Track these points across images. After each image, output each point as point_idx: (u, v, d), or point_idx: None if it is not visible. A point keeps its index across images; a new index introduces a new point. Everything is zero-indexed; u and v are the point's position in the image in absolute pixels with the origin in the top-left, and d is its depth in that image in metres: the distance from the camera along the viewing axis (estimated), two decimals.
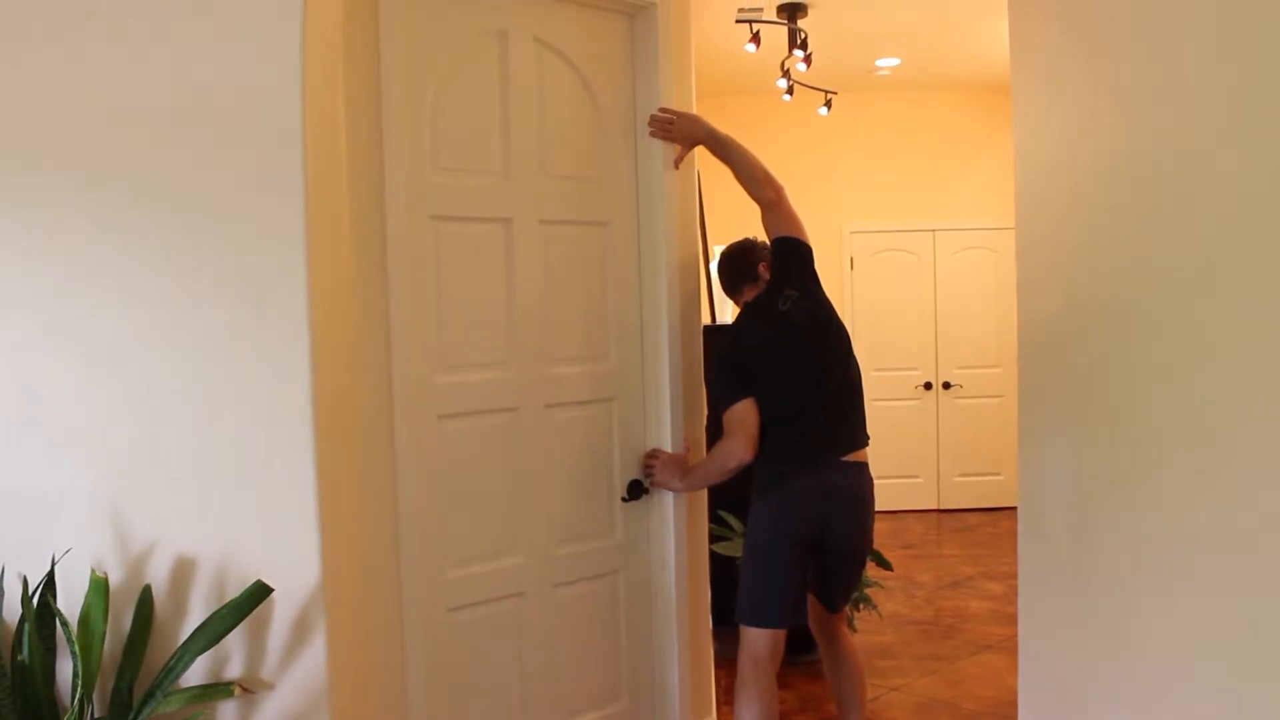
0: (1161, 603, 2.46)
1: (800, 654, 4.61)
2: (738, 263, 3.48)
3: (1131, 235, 2.57)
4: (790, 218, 3.36)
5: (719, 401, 3.26)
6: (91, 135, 2.45)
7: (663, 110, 3.37)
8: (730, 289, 3.53)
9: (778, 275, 3.34)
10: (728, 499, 4.37)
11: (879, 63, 7.53)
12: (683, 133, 3.40)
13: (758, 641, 3.15)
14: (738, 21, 5.94)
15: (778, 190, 3.35)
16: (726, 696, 4.02)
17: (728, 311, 3.87)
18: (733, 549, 4.33)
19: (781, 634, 3.18)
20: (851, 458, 3.24)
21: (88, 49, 2.44)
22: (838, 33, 6.61)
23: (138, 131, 2.44)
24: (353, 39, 2.69)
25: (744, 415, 3.16)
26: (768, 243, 3.41)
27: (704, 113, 3.51)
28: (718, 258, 3.62)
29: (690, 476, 3.34)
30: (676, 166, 3.42)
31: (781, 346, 3.24)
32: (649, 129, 3.38)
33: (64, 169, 2.46)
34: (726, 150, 3.39)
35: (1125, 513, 2.60)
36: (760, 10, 5.89)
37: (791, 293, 3.29)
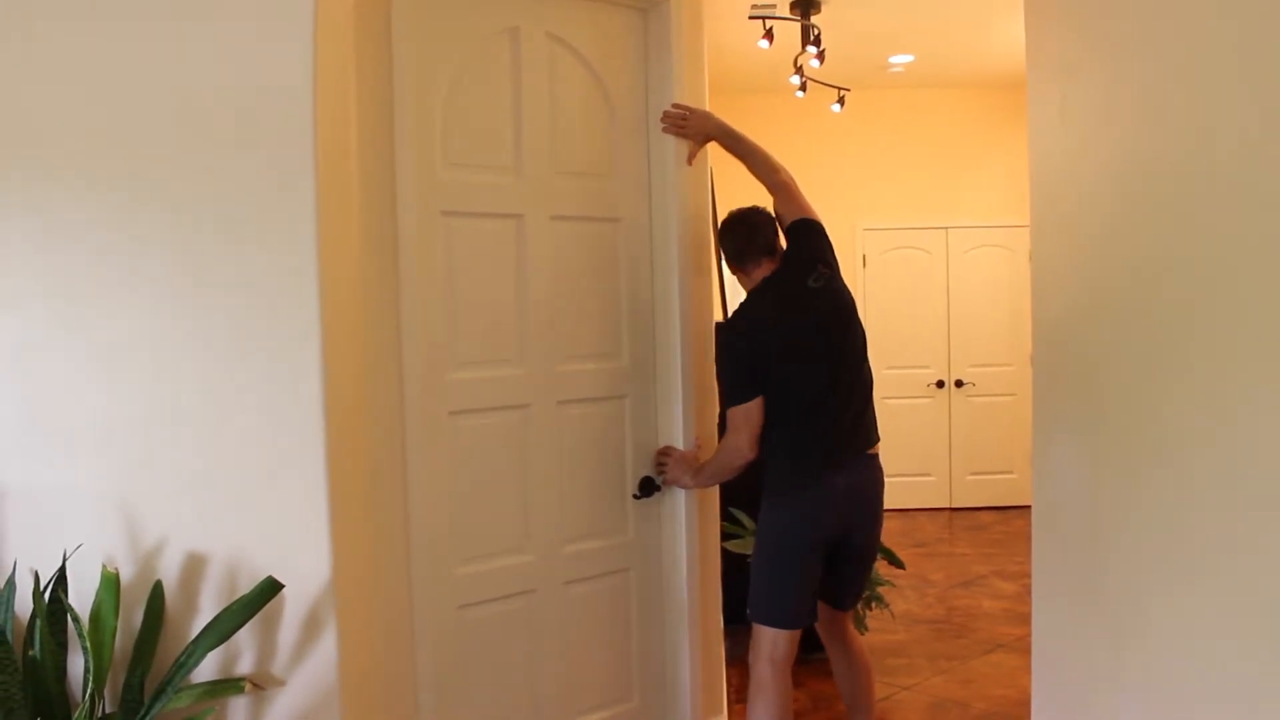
0: (1177, 603, 2.45)
1: (813, 652, 4.59)
2: (753, 229, 3.26)
3: (1147, 233, 2.55)
4: (807, 203, 3.31)
5: (728, 396, 3.19)
6: (102, 136, 2.45)
7: (675, 106, 3.36)
8: (739, 258, 3.27)
9: (807, 250, 3.23)
10: (740, 496, 4.36)
11: (892, 59, 7.51)
12: (696, 128, 3.38)
13: (776, 643, 3.11)
14: (751, 18, 5.93)
15: (791, 177, 3.32)
16: (738, 695, 4.01)
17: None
18: (744, 546, 4.31)
19: (798, 634, 3.16)
20: (871, 451, 3.25)
21: (99, 49, 2.44)
22: (851, 29, 6.59)
23: (148, 131, 2.44)
24: (365, 35, 2.68)
25: (750, 413, 3.11)
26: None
27: (716, 110, 3.49)
28: (724, 221, 3.34)
29: (700, 474, 3.32)
30: (690, 163, 3.41)
31: (812, 329, 3.14)
32: (661, 125, 3.36)
33: (75, 170, 2.46)
34: (739, 143, 3.36)
35: (1140, 512, 2.59)
36: (773, 6, 5.88)
37: (825, 270, 3.20)
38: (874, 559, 3.39)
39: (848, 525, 3.16)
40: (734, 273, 3.36)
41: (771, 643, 3.11)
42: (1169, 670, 2.48)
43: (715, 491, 3.59)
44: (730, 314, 3.29)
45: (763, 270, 3.24)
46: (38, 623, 2.28)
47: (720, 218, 3.38)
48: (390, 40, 2.75)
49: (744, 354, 3.15)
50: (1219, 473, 2.28)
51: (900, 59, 7.49)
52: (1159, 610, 2.51)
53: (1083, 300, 2.86)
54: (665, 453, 3.38)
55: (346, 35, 2.60)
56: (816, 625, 3.39)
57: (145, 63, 2.43)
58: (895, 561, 4.90)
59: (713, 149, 3.50)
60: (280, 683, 2.46)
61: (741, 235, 3.27)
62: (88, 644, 2.23)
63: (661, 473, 3.38)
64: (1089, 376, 2.83)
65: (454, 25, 2.93)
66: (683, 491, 3.41)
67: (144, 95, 2.43)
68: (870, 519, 3.25)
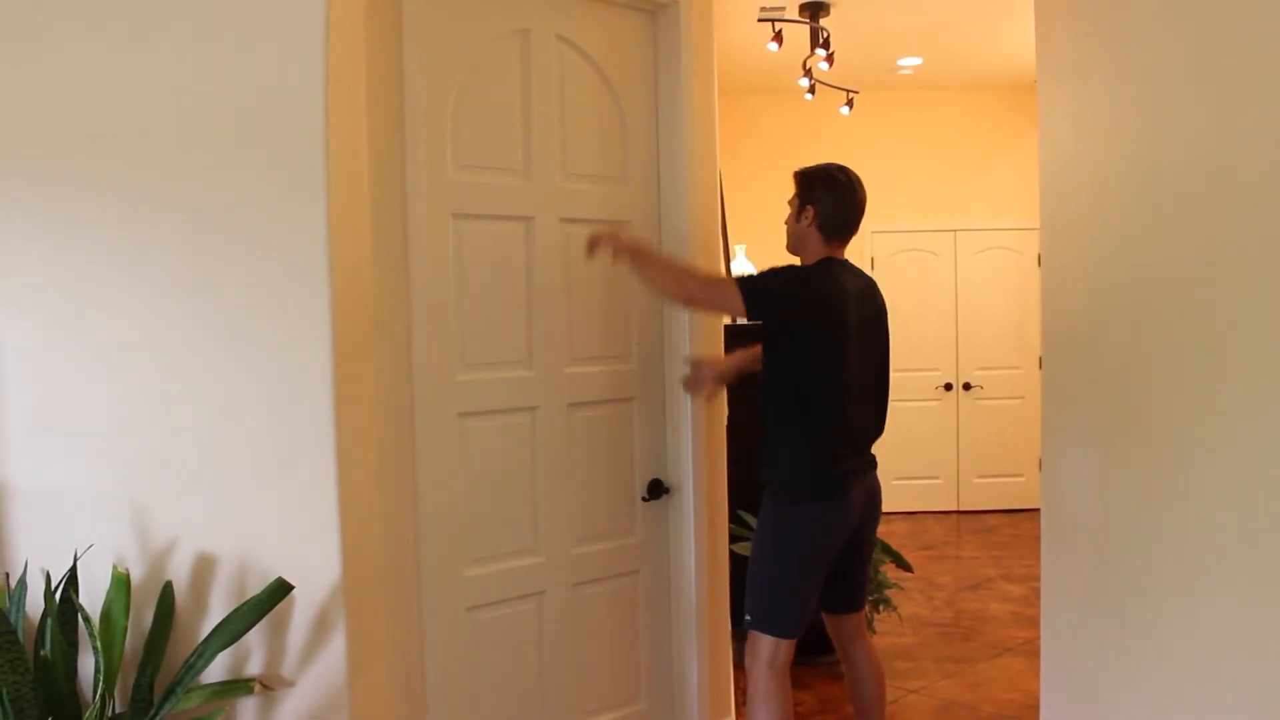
0: (1187, 608, 2.44)
1: (820, 655, 4.59)
2: (863, 207, 3.18)
3: (1158, 235, 2.55)
4: None
5: (751, 284, 2.99)
6: (113, 137, 2.46)
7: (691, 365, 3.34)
8: (838, 226, 3.13)
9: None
10: (748, 499, 4.35)
11: (901, 62, 7.50)
12: (712, 374, 3.34)
13: (778, 650, 3.09)
14: (760, 20, 5.93)
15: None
16: (745, 698, 4.01)
17: None
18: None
19: (796, 639, 3.16)
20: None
21: (110, 51, 2.45)
22: (860, 31, 6.59)
23: (160, 133, 2.44)
24: (375, 38, 2.69)
25: (739, 308, 2.97)
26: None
27: (725, 111, 3.48)
28: (849, 180, 3.18)
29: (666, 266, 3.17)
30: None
31: (875, 318, 3.19)
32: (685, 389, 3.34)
33: (85, 171, 2.47)
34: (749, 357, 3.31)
35: (1151, 516, 2.58)
36: (782, 9, 5.88)
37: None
38: (873, 552, 3.39)
39: (855, 532, 3.16)
40: (800, 229, 3.17)
41: (773, 650, 3.08)
42: (1179, 674, 2.48)
43: (723, 495, 3.59)
44: (741, 324, 3.18)
45: (837, 251, 3.17)
46: (49, 623, 2.29)
47: (727, 215, 3.30)
48: (401, 41, 2.76)
49: (800, 294, 3.01)
50: (1231, 476, 2.28)
51: (909, 61, 7.48)
52: (1170, 613, 2.51)
53: (1093, 303, 2.85)
54: (696, 364, 3.34)
55: (357, 36, 2.60)
56: (831, 634, 3.38)
57: (156, 65, 2.44)
58: (903, 564, 4.89)
59: (722, 149, 3.49)
60: (289, 683, 2.46)
61: (858, 205, 3.15)
62: (98, 644, 2.24)
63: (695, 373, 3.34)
64: (1099, 380, 2.83)
65: (464, 27, 2.93)
66: (691, 494, 3.40)
67: (154, 97, 2.44)
68: (875, 517, 3.28)
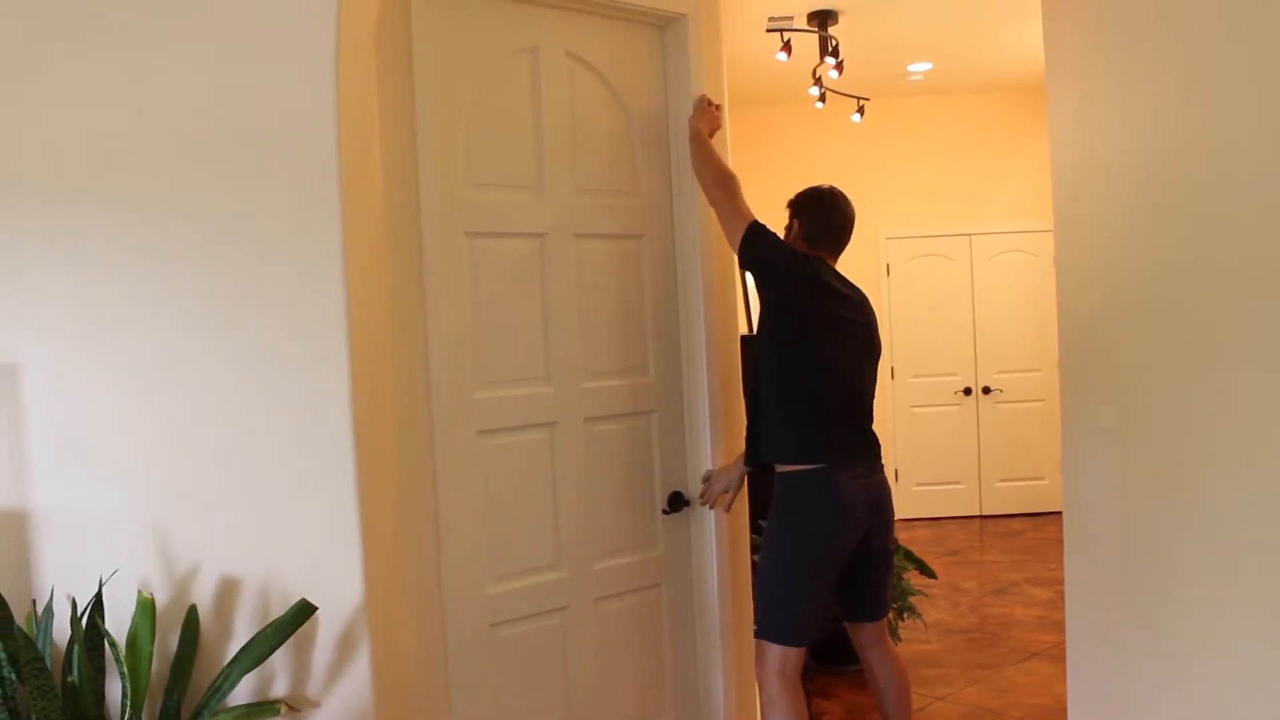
0: (1213, 613, 2.42)
1: (846, 663, 4.58)
2: (848, 221, 3.38)
3: (1173, 235, 2.54)
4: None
5: (758, 242, 3.15)
6: (128, 160, 2.47)
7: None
8: (819, 236, 3.34)
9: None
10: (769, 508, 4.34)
11: (911, 67, 7.51)
12: (719, 489, 3.37)
13: (787, 658, 3.10)
14: (768, 30, 5.95)
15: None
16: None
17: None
18: None
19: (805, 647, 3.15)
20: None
21: (122, 75, 2.47)
22: (869, 39, 6.60)
23: (174, 155, 2.46)
24: (386, 58, 2.70)
25: (740, 233, 3.15)
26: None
27: (736, 122, 3.50)
28: (832, 193, 3.41)
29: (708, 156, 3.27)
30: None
31: (855, 331, 3.24)
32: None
33: (103, 194, 2.49)
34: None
35: (1173, 517, 2.56)
36: (791, 18, 5.90)
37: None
38: (892, 561, 3.38)
39: (863, 537, 3.16)
40: (790, 241, 3.38)
41: (782, 658, 3.09)
42: (1206, 677, 2.46)
43: (745, 504, 3.58)
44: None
45: (825, 254, 3.34)
46: (75, 648, 2.30)
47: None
48: (411, 62, 2.78)
49: (791, 263, 3.17)
50: (1256, 478, 2.26)
51: (919, 66, 7.49)
52: (1195, 616, 2.49)
53: (1107, 304, 2.84)
54: (706, 479, 3.37)
55: (367, 57, 2.62)
56: (852, 642, 3.38)
57: (169, 89, 2.45)
58: (927, 571, 4.87)
59: (734, 163, 3.49)
60: (315, 704, 2.47)
61: (840, 214, 3.36)
62: (125, 669, 2.26)
63: (707, 488, 3.36)
64: (1116, 380, 2.82)
65: (473, 46, 2.95)
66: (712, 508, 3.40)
67: (167, 122, 2.46)
68: (885, 523, 3.26)
